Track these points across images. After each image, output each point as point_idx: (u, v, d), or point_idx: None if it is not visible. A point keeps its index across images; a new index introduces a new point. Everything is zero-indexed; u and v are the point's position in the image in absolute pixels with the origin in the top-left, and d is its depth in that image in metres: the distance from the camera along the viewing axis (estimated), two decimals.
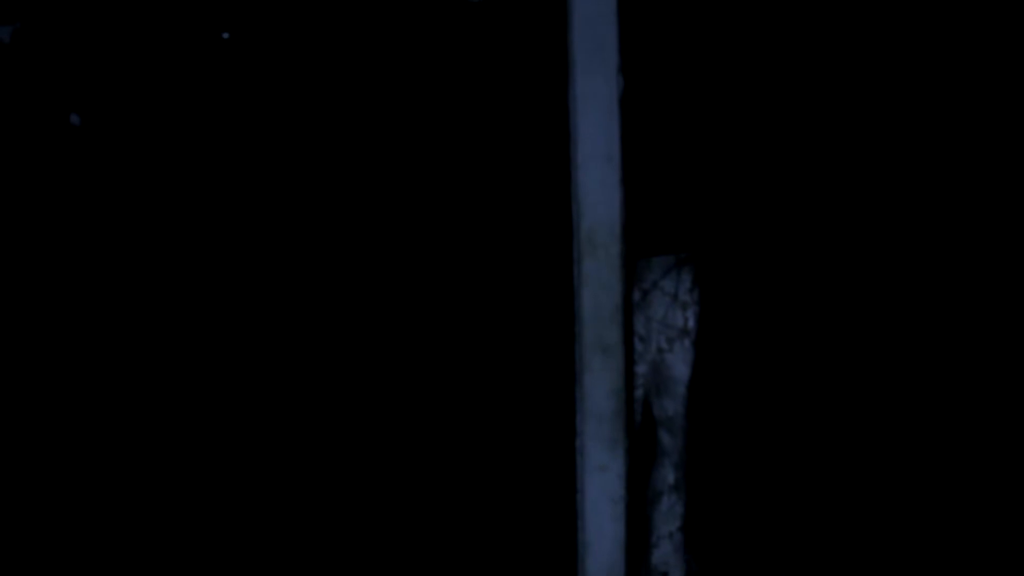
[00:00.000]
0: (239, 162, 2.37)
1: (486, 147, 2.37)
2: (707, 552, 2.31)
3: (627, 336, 2.20)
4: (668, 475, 2.37)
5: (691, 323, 2.32)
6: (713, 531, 2.27)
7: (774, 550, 2.28)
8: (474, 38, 2.32)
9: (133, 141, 2.35)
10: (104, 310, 2.36)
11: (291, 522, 2.39)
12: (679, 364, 2.31)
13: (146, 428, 2.37)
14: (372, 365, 2.38)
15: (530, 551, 2.35)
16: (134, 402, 2.37)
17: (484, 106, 2.36)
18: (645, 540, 2.34)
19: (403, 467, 2.38)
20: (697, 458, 2.30)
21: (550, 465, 2.31)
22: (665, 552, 2.36)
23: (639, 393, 2.32)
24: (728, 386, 2.25)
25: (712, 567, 2.32)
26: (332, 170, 2.37)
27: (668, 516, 2.37)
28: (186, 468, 2.37)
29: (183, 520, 2.38)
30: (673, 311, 2.30)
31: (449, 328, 2.38)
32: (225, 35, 2.36)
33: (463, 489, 2.37)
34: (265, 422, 2.39)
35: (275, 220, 2.37)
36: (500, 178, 2.37)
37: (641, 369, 2.31)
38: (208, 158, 2.37)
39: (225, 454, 2.38)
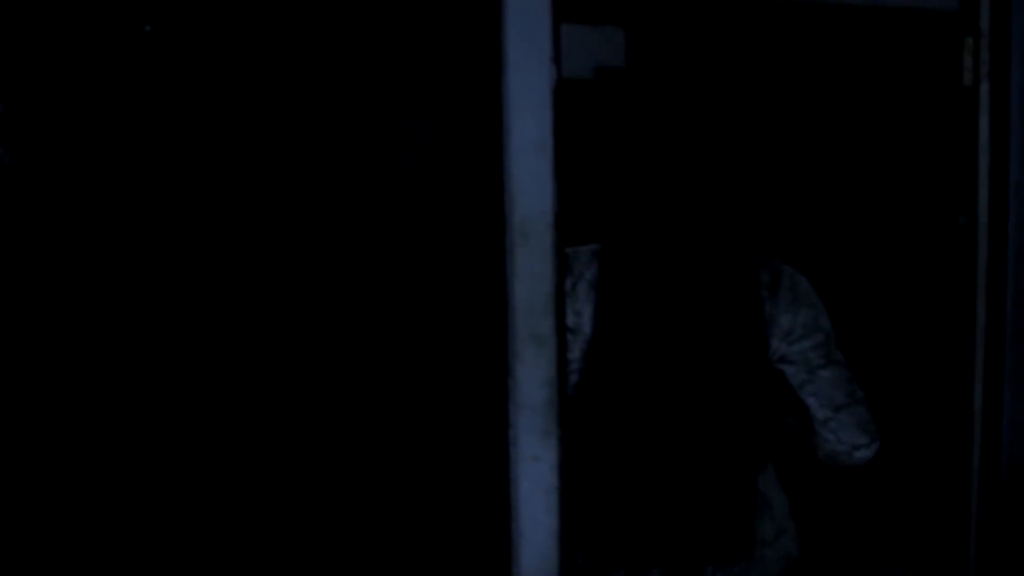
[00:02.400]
0: (158, 157, 2.34)
1: (419, 138, 2.37)
2: (589, 545, 2.32)
3: (559, 326, 2.21)
4: None
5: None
6: (592, 522, 2.30)
7: (646, 542, 2.30)
8: (406, 26, 2.33)
9: (55, 136, 2.31)
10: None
11: (212, 523, 2.35)
12: None
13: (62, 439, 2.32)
14: (301, 357, 2.36)
15: (465, 542, 2.34)
16: (43, 414, 2.32)
17: (416, 96, 2.36)
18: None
19: (332, 459, 2.36)
20: (573, 449, 2.32)
21: (484, 457, 2.30)
22: None
23: (574, 379, 2.33)
24: (604, 376, 2.29)
25: (596, 559, 2.33)
26: (257, 162, 2.35)
27: None
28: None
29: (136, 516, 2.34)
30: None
31: (381, 321, 2.37)
32: (147, 28, 2.33)
33: (395, 482, 2.36)
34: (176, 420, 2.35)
35: (196, 216, 2.34)
36: (433, 169, 2.37)
37: (575, 355, 2.32)
38: (129, 153, 2.33)
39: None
